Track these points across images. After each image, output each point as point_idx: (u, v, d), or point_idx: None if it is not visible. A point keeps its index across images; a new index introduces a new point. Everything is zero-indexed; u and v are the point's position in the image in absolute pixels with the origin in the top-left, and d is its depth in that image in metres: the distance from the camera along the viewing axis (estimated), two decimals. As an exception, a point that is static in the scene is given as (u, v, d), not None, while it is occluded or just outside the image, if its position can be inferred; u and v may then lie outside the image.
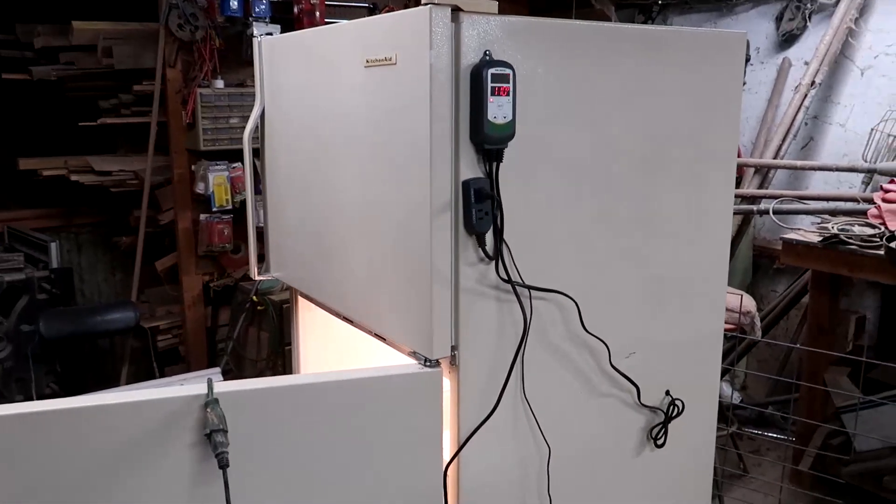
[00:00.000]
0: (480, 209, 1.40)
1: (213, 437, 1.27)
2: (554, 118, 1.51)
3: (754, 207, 3.54)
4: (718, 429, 3.28)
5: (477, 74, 1.36)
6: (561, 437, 1.62)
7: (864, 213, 3.10)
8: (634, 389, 1.72)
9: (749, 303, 3.22)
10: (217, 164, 3.47)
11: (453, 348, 1.46)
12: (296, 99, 1.84)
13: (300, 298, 2.07)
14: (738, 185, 3.89)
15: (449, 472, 1.51)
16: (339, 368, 1.95)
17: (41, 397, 3.28)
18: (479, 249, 1.44)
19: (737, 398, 4.00)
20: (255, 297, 3.53)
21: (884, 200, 2.92)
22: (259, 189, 2.18)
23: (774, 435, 3.69)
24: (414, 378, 1.44)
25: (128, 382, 3.56)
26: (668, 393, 1.80)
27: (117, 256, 4.15)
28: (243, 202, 3.49)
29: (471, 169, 1.41)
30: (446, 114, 1.36)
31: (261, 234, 2.13)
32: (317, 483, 1.41)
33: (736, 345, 3.23)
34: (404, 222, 1.46)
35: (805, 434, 3.23)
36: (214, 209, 3.48)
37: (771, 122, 3.89)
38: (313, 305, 1.96)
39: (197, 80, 3.39)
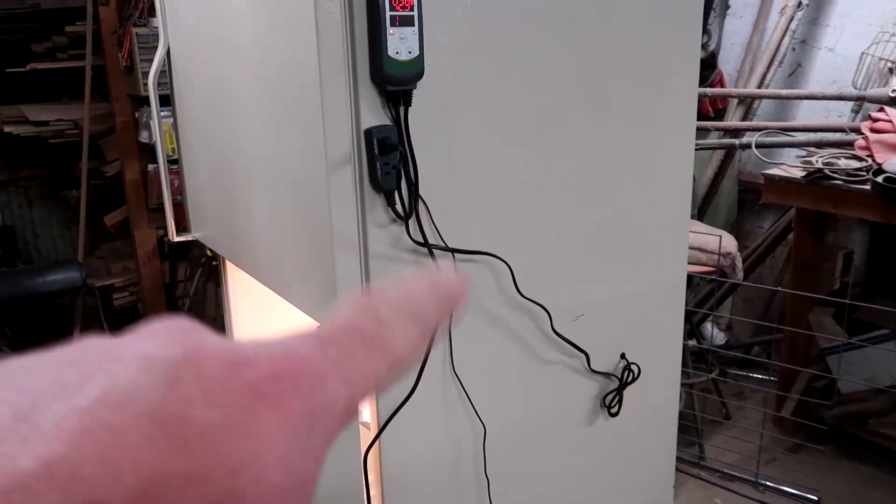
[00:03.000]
0: (386, 162, 1.20)
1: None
2: (475, 51, 1.28)
3: (736, 141, 3.33)
4: (698, 374, 3.17)
5: (372, -1, 1.14)
6: (499, 413, 1.46)
7: (851, 144, 2.89)
8: (583, 356, 1.54)
9: (729, 243, 3.04)
10: (161, 111, 3.23)
11: (365, 322, 1.28)
12: (194, 35, 1.62)
13: (227, 260, 1.89)
14: (721, 117, 3.68)
15: (369, 458, 1.35)
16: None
17: (-7, 361, 3.14)
18: (390, 209, 1.24)
19: (721, 339, 3.87)
20: (209, 252, 3.33)
21: (872, 130, 2.70)
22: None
23: (759, 376, 3.57)
24: (320, 357, 1.26)
25: (81, 344, 3.41)
26: (623, 356, 1.63)
27: (70, 211, 3.94)
28: (191, 151, 3.27)
29: (374, 115, 1.20)
30: (338, 47, 1.14)
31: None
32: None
33: (715, 289, 3.07)
34: (300, 179, 1.26)
35: (788, 377, 3.11)
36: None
37: (756, 48, 3.63)
38: (239, 268, 1.78)
39: (132, 18, 3.12)
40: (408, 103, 1.20)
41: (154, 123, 1.80)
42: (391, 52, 1.15)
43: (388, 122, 1.21)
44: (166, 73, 1.87)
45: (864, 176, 2.59)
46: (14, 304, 3.15)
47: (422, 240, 1.26)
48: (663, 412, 1.75)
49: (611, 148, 1.50)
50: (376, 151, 1.19)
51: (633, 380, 1.62)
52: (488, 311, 1.40)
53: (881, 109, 2.77)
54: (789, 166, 2.91)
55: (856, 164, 2.69)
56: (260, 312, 1.92)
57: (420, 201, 1.26)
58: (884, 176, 2.45)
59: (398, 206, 1.24)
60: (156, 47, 3.28)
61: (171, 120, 3.32)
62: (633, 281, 1.62)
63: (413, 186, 1.24)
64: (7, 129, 3.26)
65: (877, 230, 3.33)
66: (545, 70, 1.38)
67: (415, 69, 1.18)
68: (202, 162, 1.75)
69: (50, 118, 3.31)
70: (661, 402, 1.75)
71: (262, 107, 1.36)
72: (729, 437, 3.14)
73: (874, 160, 2.61)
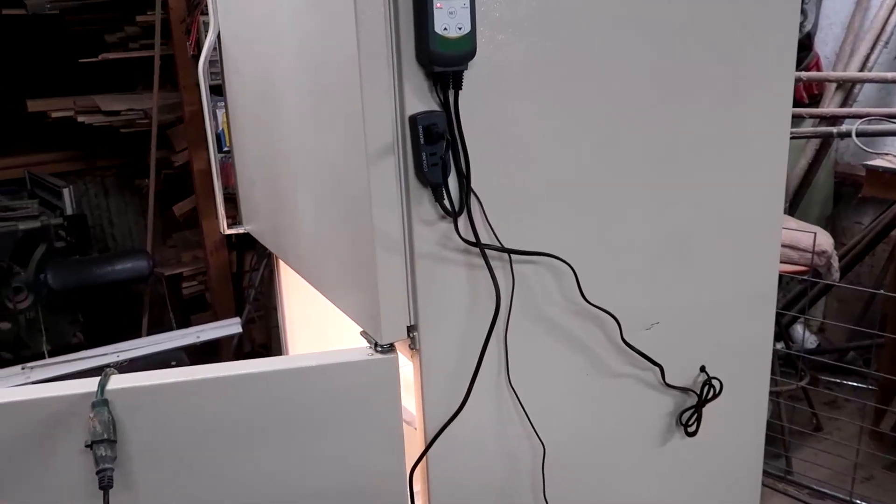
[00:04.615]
0: (433, 153, 1.07)
1: (94, 450, 1.02)
2: (536, 27, 1.14)
3: (833, 129, 3.05)
4: (786, 381, 2.93)
5: (418, -30, 1.02)
6: (560, 431, 1.32)
7: (968, 132, 2.60)
8: (657, 368, 1.39)
9: (825, 241, 2.79)
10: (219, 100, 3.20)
11: (411, 329, 1.16)
12: (242, 19, 1.53)
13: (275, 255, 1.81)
14: (816, 103, 3.39)
15: (416, 475, 1.23)
16: (333, 344, 1.69)
17: (68, 347, 3.20)
18: (438, 205, 1.12)
19: (813, 342, 3.59)
20: (274, 242, 3.30)
21: None
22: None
23: (855, 384, 3.28)
24: (360, 367, 1.15)
25: (149, 332, 3.44)
26: (703, 369, 1.46)
27: (145, 200, 3.99)
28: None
29: (421, 100, 1.07)
30: (379, 24, 1.02)
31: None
32: (250, 500, 1.16)
33: (808, 289, 2.82)
34: (339, 171, 1.15)
35: (888, 387, 2.84)
36: (225, 148, 3.23)
37: (858, 28, 3.33)
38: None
39: (200, 6, 3.09)
40: (458, 86, 1.07)
41: (205, 111, 1.73)
42: (439, 29, 1.02)
43: (436, 108, 1.08)
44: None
45: (984, 168, 2.32)
46: (86, 291, 3.19)
47: (473, 239, 1.14)
48: (748, 432, 1.58)
49: (692, 138, 1.34)
50: (422, 140, 1.07)
51: (715, 396, 1.45)
52: (549, 318, 1.26)
53: None
54: (894, 157, 2.65)
55: (974, 154, 2.41)
56: (310, 307, 1.84)
57: (472, 196, 1.13)
58: None
59: (447, 202, 1.11)
60: (222, 36, 3.25)
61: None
62: (715, 286, 1.45)
63: (464, 179, 1.12)
64: (80, 118, 3.29)
65: None
66: (617, 49, 1.22)
67: (465, 47, 1.05)
68: (252, 153, 1.67)
69: (121, 108, 3.33)
70: (747, 420, 1.57)
71: (302, 93, 1.26)
72: (819, 450, 2.90)
73: None
